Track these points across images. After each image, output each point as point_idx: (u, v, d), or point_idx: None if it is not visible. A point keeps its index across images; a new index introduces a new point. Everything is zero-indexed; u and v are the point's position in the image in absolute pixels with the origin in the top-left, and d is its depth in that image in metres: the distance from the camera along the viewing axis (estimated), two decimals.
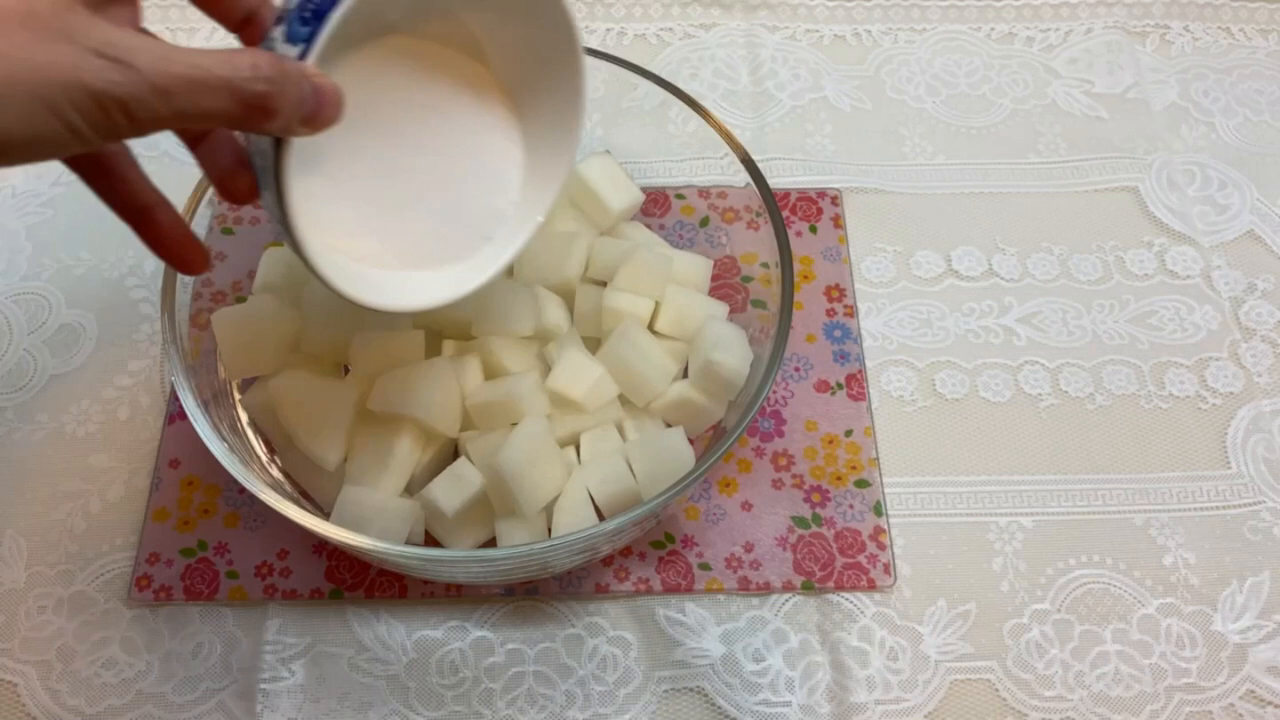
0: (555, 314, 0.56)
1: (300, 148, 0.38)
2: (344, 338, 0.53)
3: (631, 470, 0.52)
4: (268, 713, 0.51)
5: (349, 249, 0.44)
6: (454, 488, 0.50)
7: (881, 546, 0.55)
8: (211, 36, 0.72)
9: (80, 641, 0.52)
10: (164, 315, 0.50)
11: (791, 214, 0.66)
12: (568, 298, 0.57)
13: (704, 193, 0.65)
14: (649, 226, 0.63)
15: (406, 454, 0.51)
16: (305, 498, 0.53)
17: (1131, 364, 0.62)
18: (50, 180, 0.67)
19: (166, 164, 0.67)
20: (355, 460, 0.51)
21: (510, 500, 0.49)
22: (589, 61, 0.59)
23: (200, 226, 0.54)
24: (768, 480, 0.57)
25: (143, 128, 0.33)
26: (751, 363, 0.53)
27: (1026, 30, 0.76)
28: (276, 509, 0.45)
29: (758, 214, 0.55)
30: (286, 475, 0.53)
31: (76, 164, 0.40)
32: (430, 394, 0.50)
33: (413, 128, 0.45)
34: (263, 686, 0.51)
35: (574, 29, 0.44)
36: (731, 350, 0.53)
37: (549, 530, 0.51)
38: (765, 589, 0.54)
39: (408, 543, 0.50)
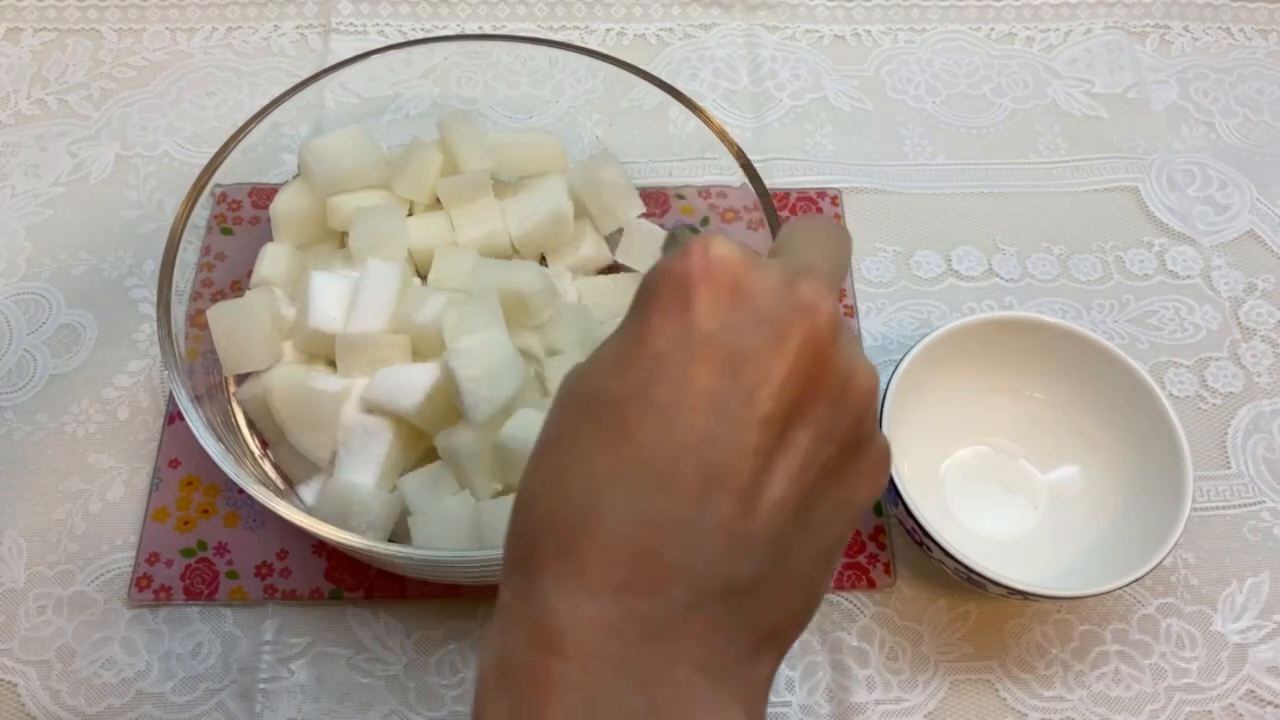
0: (551, 312, 0.56)
1: None
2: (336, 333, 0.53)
3: None
4: (268, 713, 0.51)
5: None
6: (429, 487, 0.50)
7: (881, 546, 0.55)
8: (211, 36, 0.72)
9: (80, 641, 0.52)
10: (159, 309, 0.50)
11: (791, 214, 0.66)
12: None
13: (704, 193, 0.65)
14: None
15: (396, 452, 0.51)
16: (297, 494, 0.53)
17: None
18: (50, 180, 0.67)
19: (166, 164, 0.68)
20: (344, 457, 0.51)
21: (460, 412, 0.48)
22: (589, 62, 0.60)
23: (199, 226, 0.54)
24: None
25: None
26: None
27: (1026, 30, 0.76)
28: (267, 505, 0.45)
29: (758, 214, 0.55)
30: (279, 471, 0.53)
31: None
32: (420, 393, 0.49)
33: None
34: (262, 686, 0.51)
35: None
36: None
37: None
38: None
39: (392, 539, 0.50)
